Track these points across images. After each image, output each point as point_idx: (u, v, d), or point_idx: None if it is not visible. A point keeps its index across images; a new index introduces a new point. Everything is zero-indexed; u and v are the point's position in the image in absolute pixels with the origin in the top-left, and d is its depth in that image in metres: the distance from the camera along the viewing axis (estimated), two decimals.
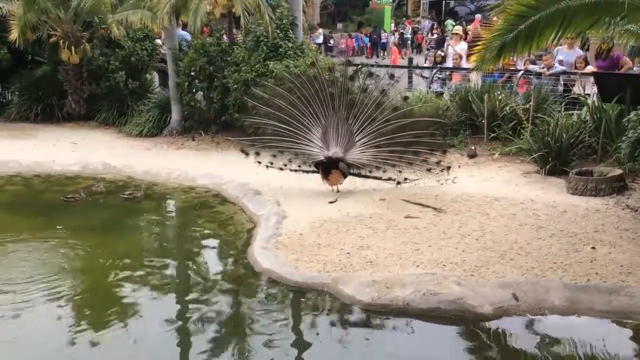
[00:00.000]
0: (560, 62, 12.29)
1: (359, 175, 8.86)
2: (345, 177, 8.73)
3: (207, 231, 8.03)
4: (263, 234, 7.25)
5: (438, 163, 8.77)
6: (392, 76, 9.09)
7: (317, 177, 8.81)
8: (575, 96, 11.02)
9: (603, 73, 11.04)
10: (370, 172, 8.84)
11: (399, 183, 8.75)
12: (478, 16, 22.26)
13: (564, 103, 10.91)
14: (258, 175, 9.50)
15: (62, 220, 8.26)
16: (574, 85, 11.76)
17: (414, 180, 8.75)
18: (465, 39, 15.90)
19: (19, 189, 9.90)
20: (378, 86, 8.85)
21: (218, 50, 12.08)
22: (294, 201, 8.41)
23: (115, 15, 12.93)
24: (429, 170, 8.73)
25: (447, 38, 20.00)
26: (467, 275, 5.94)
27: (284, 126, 8.77)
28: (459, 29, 17.87)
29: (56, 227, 8.00)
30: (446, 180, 8.78)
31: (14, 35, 12.67)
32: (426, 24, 35.49)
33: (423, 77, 14.01)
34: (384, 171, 8.80)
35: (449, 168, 8.81)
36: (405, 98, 9.24)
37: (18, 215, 8.62)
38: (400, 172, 8.76)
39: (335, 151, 8.58)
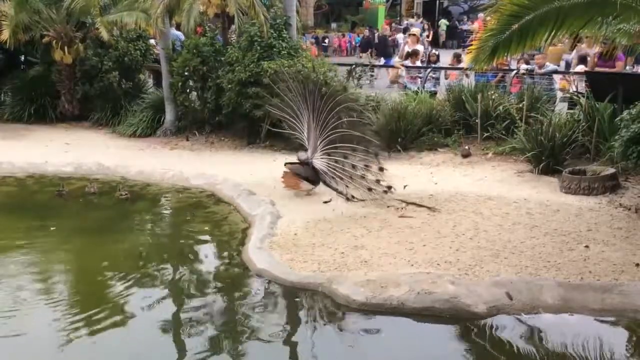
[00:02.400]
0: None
1: (324, 182, 8.52)
2: (313, 183, 8.52)
3: (201, 231, 8.01)
4: (258, 234, 7.24)
5: (378, 182, 8.22)
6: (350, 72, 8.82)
7: None
8: (568, 95, 11.07)
9: (596, 72, 11.09)
10: (328, 181, 8.48)
11: (347, 199, 8.22)
12: (481, 15, 22.32)
13: (557, 102, 10.97)
14: (252, 175, 9.51)
15: (56, 221, 8.24)
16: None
17: (360, 200, 8.18)
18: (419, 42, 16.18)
19: (12, 189, 9.86)
20: (337, 90, 8.68)
21: (212, 50, 12.06)
22: (289, 201, 8.40)
23: (109, 17, 12.89)
24: (370, 190, 8.16)
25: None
26: (462, 274, 5.96)
27: (294, 120, 8.77)
28: (416, 30, 18.10)
29: (50, 228, 7.97)
30: (394, 207, 7.94)
31: (5, 35, 12.60)
32: (417, 23, 35.39)
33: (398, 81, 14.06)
34: (337, 183, 8.38)
35: (389, 188, 8.17)
36: (354, 109, 8.70)
37: (11, 216, 8.58)
38: (347, 186, 8.29)
39: (307, 153, 8.56)
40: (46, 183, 10.01)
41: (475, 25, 24.19)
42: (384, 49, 22.76)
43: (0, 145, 11.95)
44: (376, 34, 29.17)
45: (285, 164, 8.69)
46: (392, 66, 15.72)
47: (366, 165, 8.34)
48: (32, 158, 10.95)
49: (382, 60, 20.28)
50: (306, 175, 8.53)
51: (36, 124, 13.84)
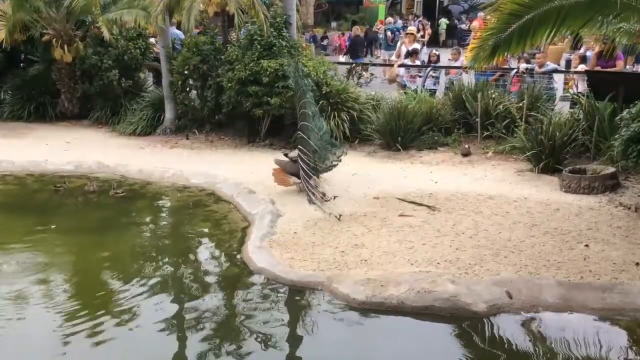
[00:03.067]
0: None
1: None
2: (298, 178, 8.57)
3: (201, 230, 8.01)
4: (257, 233, 7.24)
5: (316, 187, 8.23)
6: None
7: None
8: (568, 94, 11.07)
9: (596, 71, 11.08)
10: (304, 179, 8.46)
11: (309, 202, 8.14)
12: (481, 14, 22.26)
13: (556, 101, 10.97)
14: (252, 174, 9.51)
15: (56, 220, 8.24)
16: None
17: (316, 203, 8.03)
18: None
19: (12, 188, 9.84)
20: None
21: (211, 49, 12.06)
22: (288, 200, 8.40)
23: (109, 15, 12.88)
24: (313, 195, 8.13)
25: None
26: (461, 273, 5.96)
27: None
28: (413, 29, 18.06)
29: (50, 227, 7.97)
30: (333, 215, 7.64)
31: (1, 35, 12.56)
32: (415, 23, 35.28)
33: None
34: (306, 183, 8.35)
35: (324, 195, 8.08)
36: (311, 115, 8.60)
37: (11, 215, 8.58)
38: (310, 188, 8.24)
39: (296, 151, 8.65)
40: (46, 182, 9.99)
41: (476, 24, 24.12)
42: (355, 49, 21.68)
43: (0, 143, 11.94)
44: (347, 34, 28.83)
45: (276, 160, 8.81)
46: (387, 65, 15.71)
47: (309, 171, 8.41)
48: (32, 157, 10.93)
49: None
50: (292, 172, 8.59)
51: (36, 123, 13.81)
